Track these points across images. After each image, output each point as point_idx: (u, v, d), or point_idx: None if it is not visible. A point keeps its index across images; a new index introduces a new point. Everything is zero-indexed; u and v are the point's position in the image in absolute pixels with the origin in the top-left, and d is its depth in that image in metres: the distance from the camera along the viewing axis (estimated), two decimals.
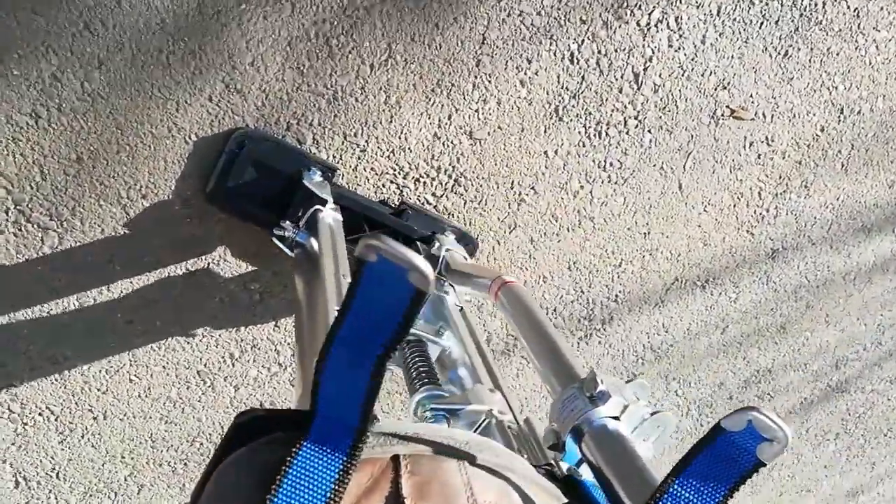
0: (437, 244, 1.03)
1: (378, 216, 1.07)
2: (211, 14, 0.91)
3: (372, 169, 1.08)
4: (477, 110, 1.08)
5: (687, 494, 0.42)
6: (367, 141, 1.06)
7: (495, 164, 1.14)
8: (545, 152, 1.16)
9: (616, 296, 1.39)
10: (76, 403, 1.19)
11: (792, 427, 1.68)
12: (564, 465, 0.62)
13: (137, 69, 0.92)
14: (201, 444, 1.32)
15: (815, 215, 1.46)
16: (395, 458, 0.44)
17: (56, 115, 0.93)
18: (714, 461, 0.42)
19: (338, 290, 0.82)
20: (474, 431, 0.71)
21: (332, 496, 0.39)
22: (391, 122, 1.05)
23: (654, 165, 1.24)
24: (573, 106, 1.13)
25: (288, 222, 0.96)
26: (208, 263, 1.11)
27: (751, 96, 1.24)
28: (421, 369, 0.77)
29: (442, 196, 1.14)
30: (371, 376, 0.41)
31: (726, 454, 0.42)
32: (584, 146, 1.17)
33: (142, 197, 1.02)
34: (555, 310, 1.36)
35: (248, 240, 1.09)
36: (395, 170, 1.09)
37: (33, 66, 0.89)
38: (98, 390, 1.19)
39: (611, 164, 1.21)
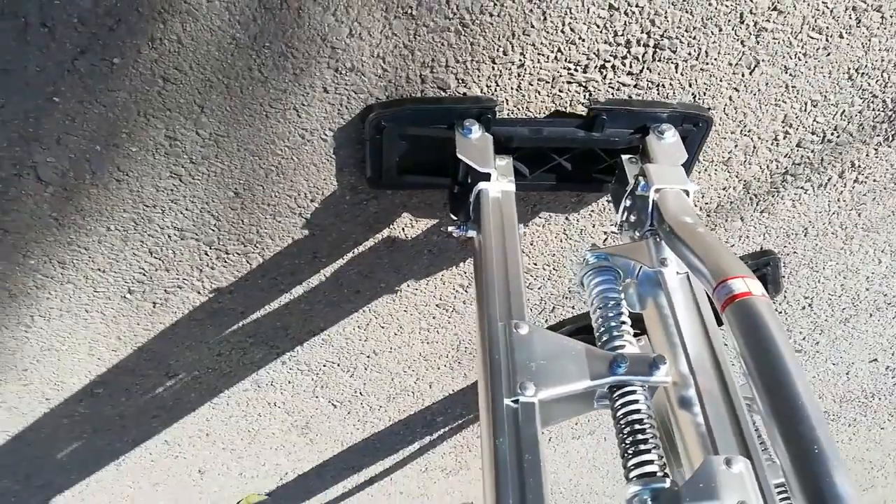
0: (642, 181, 0.76)
1: (563, 141, 0.84)
2: (278, 4, 0.70)
3: (540, 80, 0.83)
4: None
5: None
6: (522, 54, 0.79)
7: (710, 4, 0.79)
8: None
9: None
10: (348, 352, 1.29)
11: None
12: None
13: (238, 97, 0.78)
14: (465, 347, 1.35)
15: None
16: None
17: (192, 168, 0.85)
18: None
19: (504, 281, 0.71)
20: None
21: None
22: (545, 19, 0.76)
23: None
24: None
25: (451, 227, 0.82)
26: (402, 228, 1.01)
27: None
28: (637, 437, 0.59)
29: (642, 72, 0.84)
30: None
31: None
32: None
33: (311, 201, 0.93)
34: (835, 128, 1.01)
35: (430, 198, 0.96)
36: (569, 69, 0.82)
37: (146, 137, 0.80)
38: (360, 340, 1.26)
39: None
